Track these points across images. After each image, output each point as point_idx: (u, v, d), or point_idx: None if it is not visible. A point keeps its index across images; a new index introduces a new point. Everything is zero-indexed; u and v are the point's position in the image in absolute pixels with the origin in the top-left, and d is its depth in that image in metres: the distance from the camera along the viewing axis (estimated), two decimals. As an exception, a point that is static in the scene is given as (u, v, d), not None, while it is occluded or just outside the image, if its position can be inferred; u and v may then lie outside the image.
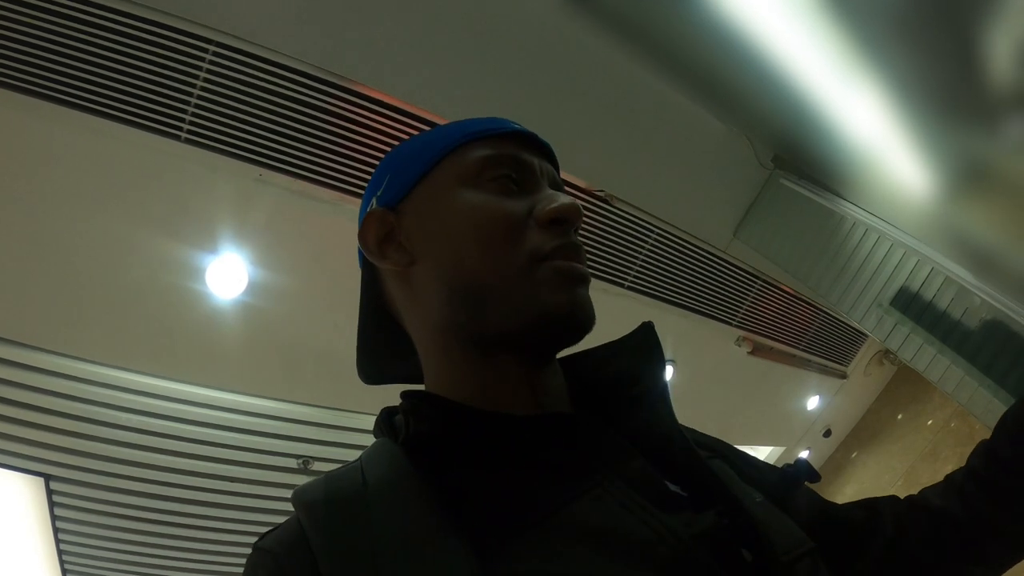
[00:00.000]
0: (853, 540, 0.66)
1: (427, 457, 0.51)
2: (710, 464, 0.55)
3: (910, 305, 2.43)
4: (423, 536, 0.43)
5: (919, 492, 0.71)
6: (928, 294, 2.38)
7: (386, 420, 0.58)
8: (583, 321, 0.55)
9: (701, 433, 0.69)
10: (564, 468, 0.50)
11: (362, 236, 0.61)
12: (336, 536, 0.45)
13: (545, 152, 0.63)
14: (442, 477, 0.48)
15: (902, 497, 0.72)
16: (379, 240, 0.60)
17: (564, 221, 0.56)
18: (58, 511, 2.48)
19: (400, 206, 0.60)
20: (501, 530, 0.45)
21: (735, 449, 0.68)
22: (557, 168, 0.65)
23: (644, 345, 0.61)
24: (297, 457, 2.73)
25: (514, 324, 0.53)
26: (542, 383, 0.57)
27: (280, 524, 0.49)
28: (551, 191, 0.59)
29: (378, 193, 0.62)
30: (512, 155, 0.59)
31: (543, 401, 0.56)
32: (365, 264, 0.64)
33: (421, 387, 0.61)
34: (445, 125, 0.63)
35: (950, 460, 4.45)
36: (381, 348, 0.67)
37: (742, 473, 0.62)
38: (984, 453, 0.67)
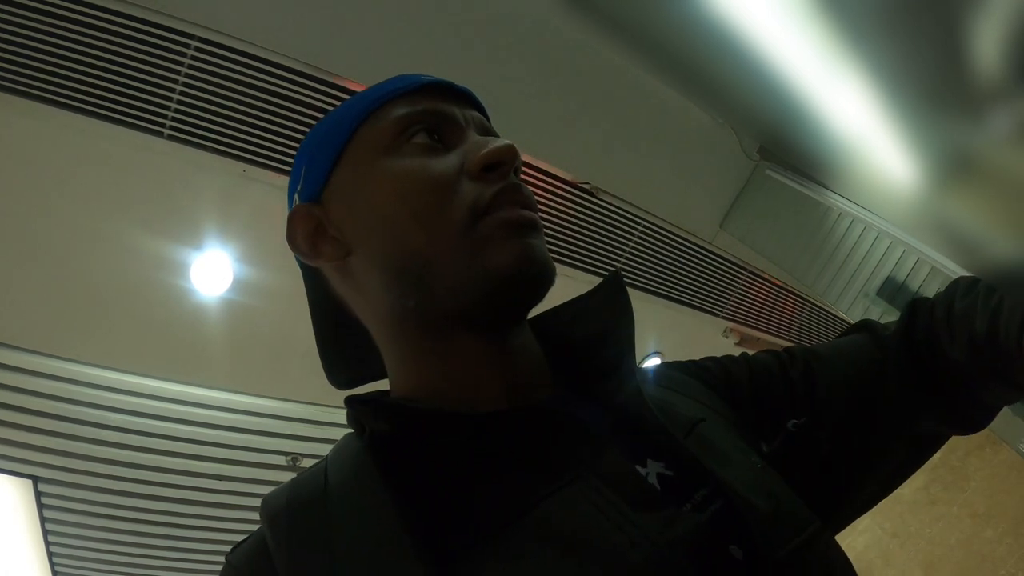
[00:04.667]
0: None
1: (390, 455, 0.47)
2: (695, 433, 0.51)
3: (896, 295, 2.45)
4: (382, 543, 0.41)
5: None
6: (914, 284, 2.39)
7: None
8: (539, 274, 0.49)
9: (682, 372, 0.62)
10: (533, 466, 0.46)
11: (290, 238, 0.55)
12: (296, 545, 0.43)
13: (468, 99, 0.58)
14: (405, 476, 0.45)
15: None
16: (308, 238, 0.54)
17: (500, 164, 0.50)
18: (47, 513, 2.46)
19: (324, 195, 0.55)
20: (465, 535, 0.42)
21: (725, 375, 0.62)
22: (485, 114, 0.58)
23: (610, 300, 0.56)
24: (286, 454, 2.72)
25: (466, 295, 0.48)
26: (510, 362, 0.52)
27: (250, 535, 0.48)
28: (479, 137, 0.53)
29: (298, 188, 0.57)
30: (429, 109, 0.53)
31: (514, 383, 0.51)
32: (305, 267, 0.59)
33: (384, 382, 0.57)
34: (354, 96, 0.57)
35: (936, 447, 4.49)
36: (346, 350, 0.61)
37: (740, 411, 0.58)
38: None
